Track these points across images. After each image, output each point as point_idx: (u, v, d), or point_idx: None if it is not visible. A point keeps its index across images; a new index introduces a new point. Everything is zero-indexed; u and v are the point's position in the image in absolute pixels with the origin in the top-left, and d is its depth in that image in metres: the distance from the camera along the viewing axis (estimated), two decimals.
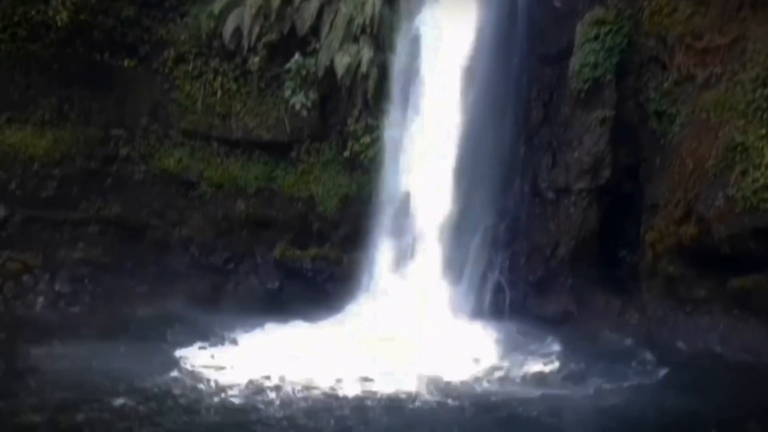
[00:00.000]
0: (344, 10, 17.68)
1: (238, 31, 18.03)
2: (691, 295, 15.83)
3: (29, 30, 18.15)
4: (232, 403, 12.83)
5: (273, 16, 17.89)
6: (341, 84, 17.71)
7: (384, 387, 13.43)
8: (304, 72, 17.76)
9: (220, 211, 18.55)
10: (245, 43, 18.05)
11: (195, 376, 13.87)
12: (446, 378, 13.95)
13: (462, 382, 13.76)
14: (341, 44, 17.64)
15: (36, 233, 18.80)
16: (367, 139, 17.66)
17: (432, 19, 16.80)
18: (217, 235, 18.64)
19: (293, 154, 18.26)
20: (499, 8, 16.87)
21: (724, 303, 15.33)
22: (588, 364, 14.56)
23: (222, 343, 15.75)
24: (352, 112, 17.86)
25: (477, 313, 16.76)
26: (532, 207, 17.35)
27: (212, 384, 13.52)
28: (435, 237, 17.09)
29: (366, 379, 13.73)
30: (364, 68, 17.51)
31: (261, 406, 12.76)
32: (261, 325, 16.40)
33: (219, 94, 18.32)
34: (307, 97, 17.78)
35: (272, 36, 18.00)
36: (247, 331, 16.11)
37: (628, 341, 15.71)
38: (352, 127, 17.87)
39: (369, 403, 12.84)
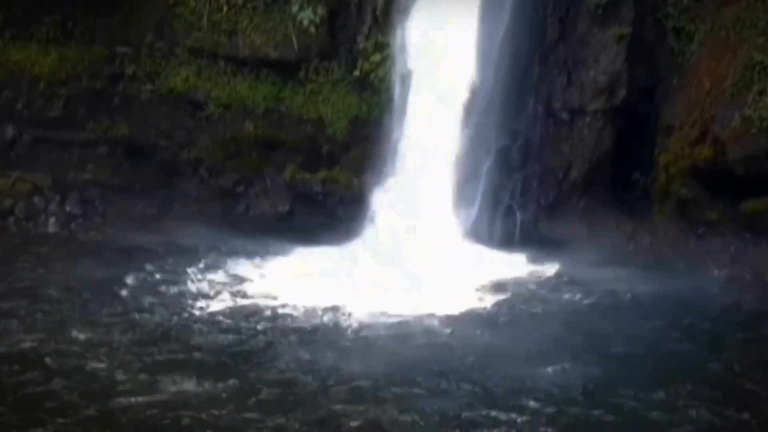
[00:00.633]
0: None
1: None
2: (703, 218, 16.01)
3: None
4: (240, 324, 13.12)
5: None
6: None
7: (390, 312, 13.63)
8: None
9: (229, 132, 18.74)
10: None
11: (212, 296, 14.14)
12: (455, 301, 14.15)
13: (470, 308, 13.93)
14: None
15: (44, 154, 19.12)
16: (377, 58, 17.66)
17: None
18: (226, 157, 18.84)
19: (301, 73, 18.32)
20: None
21: (736, 226, 15.49)
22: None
23: (234, 265, 16.00)
24: (362, 28, 17.84)
25: (488, 238, 16.95)
26: (545, 128, 17.43)
27: (224, 305, 13.80)
28: (446, 160, 17.16)
29: (374, 305, 13.85)
30: None
31: (267, 328, 12.99)
32: (273, 249, 16.61)
33: (225, 9, 18.34)
34: (315, 12, 17.75)
35: None
36: (258, 255, 16.28)
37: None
38: (362, 45, 17.88)
39: (373, 329, 13.06)
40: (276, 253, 16.42)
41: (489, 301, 14.30)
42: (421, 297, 14.15)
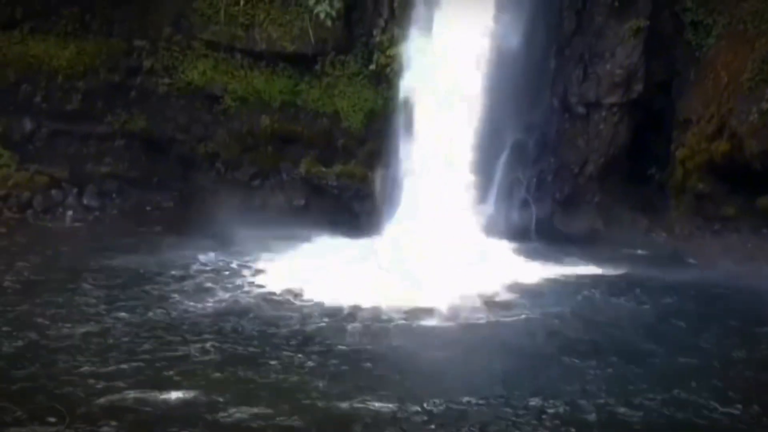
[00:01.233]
0: None
1: None
2: (720, 214, 16.05)
3: None
4: (258, 315, 13.23)
5: None
6: None
7: (407, 305, 13.66)
8: None
9: (245, 126, 18.93)
10: None
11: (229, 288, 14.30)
12: (474, 294, 14.23)
13: (488, 300, 14.06)
14: None
15: (62, 147, 19.40)
16: (393, 51, 17.80)
17: None
18: (243, 151, 19.05)
19: (317, 67, 18.49)
20: None
21: (753, 221, 15.52)
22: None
23: (250, 259, 16.14)
24: (378, 22, 17.98)
25: (503, 231, 17.04)
26: (561, 122, 17.52)
27: (242, 294, 13.99)
28: (462, 153, 17.27)
29: (391, 298, 13.88)
30: None
31: (284, 319, 13.07)
32: (288, 242, 16.66)
33: (242, 2, 18.52)
34: (331, 6, 17.91)
35: None
36: (275, 248, 16.41)
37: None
38: (378, 39, 18.01)
39: (389, 323, 13.09)
40: (293, 246, 16.54)
41: (505, 296, 14.40)
42: (436, 291, 14.23)
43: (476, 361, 11.68)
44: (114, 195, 19.38)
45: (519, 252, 16.52)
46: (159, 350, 11.66)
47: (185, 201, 19.18)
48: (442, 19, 17.42)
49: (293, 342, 12.10)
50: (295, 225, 17.70)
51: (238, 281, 14.70)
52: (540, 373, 11.08)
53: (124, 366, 11.08)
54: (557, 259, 16.22)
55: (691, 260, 15.98)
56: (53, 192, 19.17)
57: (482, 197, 17.27)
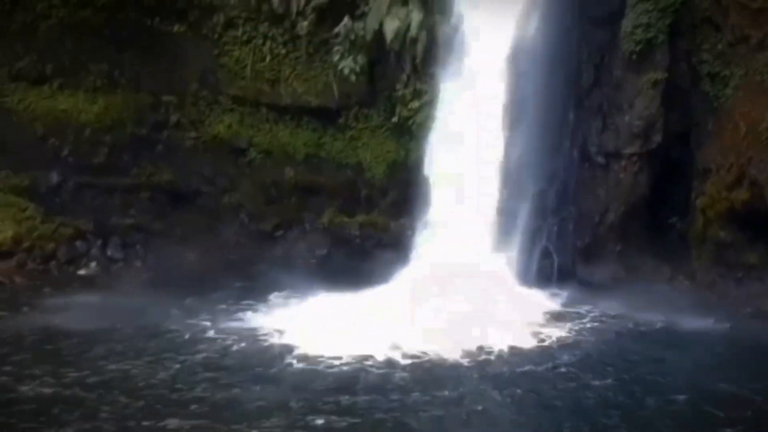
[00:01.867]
0: None
1: None
2: (742, 262, 16.17)
3: None
4: (286, 368, 13.12)
5: None
6: (390, 48, 18.19)
7: (431, 353, 13.67)
8: (352, 36, 18.27)
9: (270, 178, 19.19)
10: (294, 7, 18.59)
11: (249, 338, 14.22)
12: (498, 342, 14.22)
13: (513, 348, 14.06)
14: (390, 7, 18.07)
15: (88, 199, 19.59)
16: (415, 105, 18.14)
17: None
18: (267, 202, 19.28)
19: (341, 120, 18.83)
20: None
21: None
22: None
23: (272, 309, 16.17)
24: (401, 77, 18.35)
25: (525, 280, 17.17)
26: (581, 172, 17.76)
27: (265, 347, 13.93)
28: (484, 203, 17.51)
29: (413, 347, 13.85)
30: (413, 32, 17.96)
31: (309, 371, 12.97)
32: (310, 291, 16.58)
33: (268, 59, 18.92)
34: (355, 61, 18.30)
35: None
36: (295, 298, 16.41)
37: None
38: (400, 93, 18.38)
39: (413, 370, 13.02)
40: (313, 296, 16.39)
41: (530, 342, 14.36)
42: (460, 338, 14.16)
43: (506, 415, 11.54)
44: (138, 246, 19.50)
45: (541, 300, 16.63)
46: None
47: (209, 252, 19.34)
48: (463, 73, 17.83)
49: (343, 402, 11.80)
50: (317, 275, 17.80)
51: (262, 338, 14.48)
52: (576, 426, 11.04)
53: None
54: (580, 308, 16.32)
55: (715, 308, 16.02)
56: (77, 243, 19.21)
57: (504, 245, 17.45)
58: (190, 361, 13.13)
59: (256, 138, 19.17)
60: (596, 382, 12.51)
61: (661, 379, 12.67)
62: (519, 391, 12.22)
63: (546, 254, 17.52)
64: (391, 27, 18.12)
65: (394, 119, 18.44)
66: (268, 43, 18.95)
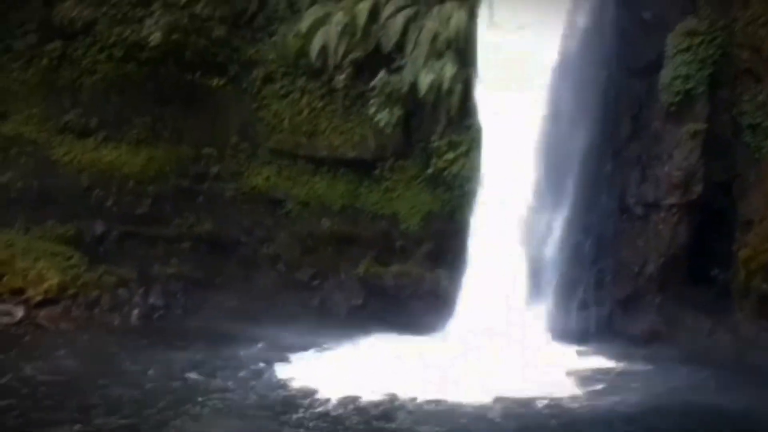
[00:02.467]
0: (429, 25, 16.62)
1: (324, 50, 17.16)
2: None
3: (124, 50, 17.64)
4: (323, 415, 11.84)
5: (359, 34, 16.95)
6: (425, 100, 16.64)
7: (463, 402, 12.24)
8: (388, 89, 16.77)
9: (306, 229, 17.68)
10: (331, 61, 17.17)
11: (286, 387, 12.91)
12: (532, 396, 12.61)
13: (553, 400, 12.37)
14: (426, 60, 16.59)
15: (131, 249, 18.27)
16: (450, 156, 16.53)
17: (514, 29, 15.57)
18: (303, 252, 17.76)
19: (377, 171, 17.28)
20: (585, 19, 15.54)
21: None
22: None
23: (308, 358, 14.78)
24: (436, 128, 16.77)
25: (563, 332, 15.37)
26: (619, 223, 15.89)
27: (300, 395, 12.59)
28: (519, 253, 15.77)
29: (446, 396, 12.43)
30: (448, 84, 16.41)
31: (345, 420, 11.70)
32: (346, 340, 15.22)
33: (305, 112, 17.48)
34: (391, 114, 16.78)
35: (358, 53, 17.07)
36: (332, 347, 15.03)
37: None
38: (435, 144, 16.77)
39: (447, 419, 11.59)
40: (348, 344, 15.08)
41: (566, 393, 12.70)
42: (491, 389, 12.66)
43: None
44: (179, 295, 18.08)
45: (579, 353, 14.82)
46: None
47: (247, 301, 17.85)
48: (499, 123, 16.21)
49: None
50: (353, 324, 16.32)
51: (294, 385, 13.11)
52: None
53: None
54: (619, 361, 14.48)
55: (758, 363, 14.12)
56: (120, 291, 17.94)
57: (540, 297, 15.66)
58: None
59: (293, 189, 17.63)
60: None
61: None
62: None
63: (584, 306, 15.61)
64: (426, 80, 16.54)
65: (429, 170, 16.80)
66: (306, 96, 17.48)
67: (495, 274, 15.62)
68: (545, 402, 12.24)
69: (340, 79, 17.05)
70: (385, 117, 16.64)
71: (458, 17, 16.30)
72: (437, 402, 12.12)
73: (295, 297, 17.52)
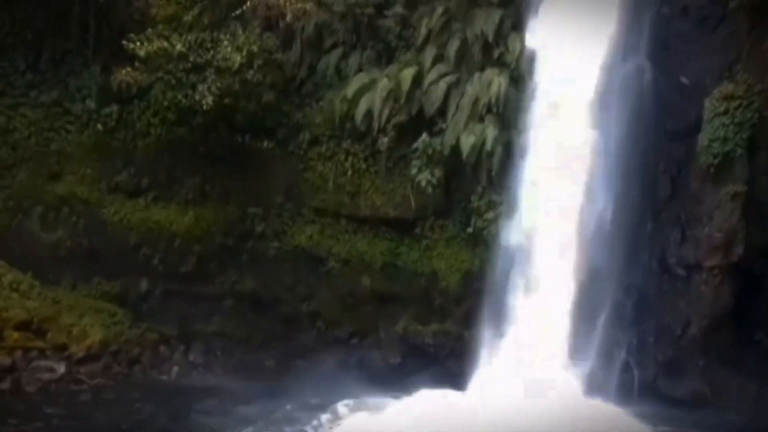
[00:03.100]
0: (470, 90, 15.69)
1: (369, 114, 16.26)
2: None
3: (177, 114, 16.85)
4: None
5: (402, 99, 16.06)
6: (466, 162, 15.58)
7: None
8: (430, 151, 15.75)
9: (347, 287, 16.47)
10: (375, 125, 16.23)
11: None
12: None
13: None
14: (467, 123, 15.60)
15: (174, 306, 17.16)
16: (490, 215, 15.35)
17: (553, 91, 14.61)
18: (343, 310, 16.52)
19: (417, 230, 16.13)
20: (624, 83, 14.53)
21: None
22: None
23: (346, 417, 13.42)
24: (476, 189, 15.66)
25: (604, 394, 13.86)
26: (660, 284, 14.51)
27: None
28: (560, 314, 14.40)
29: None
30: (488, 146, 15.36)
31: None
32: (385, 399, 14.00)
33: (349, 173, 16.47)
34: (432, 174, 15.72)
35: (401, 117, 16.14)
36: (371, 406, 13.84)
37: None
38: (475, 204, 15.62)
39: None
40: (388, 402, 13.79)
41: None
42: None
43: None
44: (219, 353, 16.86)
45: (621, 415, 13.29)
46: None
47: (286, 359, 16.56)
48: (534, 185, 15.08)
49: None
50: (391, 383, 14.93)
51: None
52: None
53: None
54: (663, 425, 12.95)
55: None
56: (161, 348, 16.85)
57: (580, 357, 14.20)
58: None
59: (335, 248, 16.48)
60: None
61: None
62: None
63: (626, 368, 14.13)
64: (467, 142, 15.51)
65: (469, 230, 15.62)
66: (350, 158, 16.49)
67: (536, 333, 14.20)
68: None
69: (384, 141, 16.09)
70: (426, 177, 15.59)
71: (498, 83, 15.37)
72: None
73: (333, 355, 16.19)
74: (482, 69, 15.75)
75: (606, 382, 14.01)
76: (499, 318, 14.55)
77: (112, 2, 16.71)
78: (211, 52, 16.10)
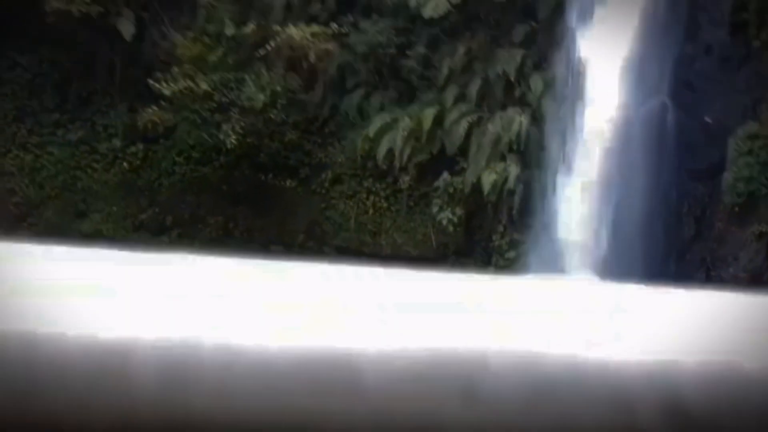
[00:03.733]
0: (491, 129, 15.41)
1: (390, 153, 16.00)
2: None
3: (202, 153, 16.70)
4: None
5: (424, 138, 15.81)
6: (487, 200, 15.25)
7: None
8: (451, 189, 15.45)
9: None
10: (397, 164, 15.97)
11: None
12: None
13: None
14: (488, 162, 15.30)
15: None
16: (512, 254, 14.96)
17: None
18: None
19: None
20: (647, 125, 14.17)
21: None
22: None
23: None
24: (497, 227, 15.30)
25: None
26: None
27: None
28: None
29: None
30: (510, 184, 15.03)
31: None
32: None
33: (371, 212, 16.18)
34: (453, 213, 15.40)
35: (422, 156, 15.87)
36: None
37: None
38: (497, 243, 15.25)
39: None
40: None
41: None
42: None
43: None
44: None
45: None
46: None
47: None
48: (556, 227, 14.68)
49: None
50: None
51: None
52: None
53: None
54: None
55: None
56: None
57: None
58: None
59: None
60: None
61: None
62: None
63: None
64: (488, 180, 15.19)
65: (491, 269, 15.20)
66: (372, 197, 16.21)
67: None
68: None
69: (405, 180, 15.79)
70: (447, 216, 15.24)
71: (519, 121, 15.06)
72: None
73: None
74: (504, 108, 15.47)
75: None
76: None
77: (138, 43, 16.63)
78: (236, 92, 15.95)
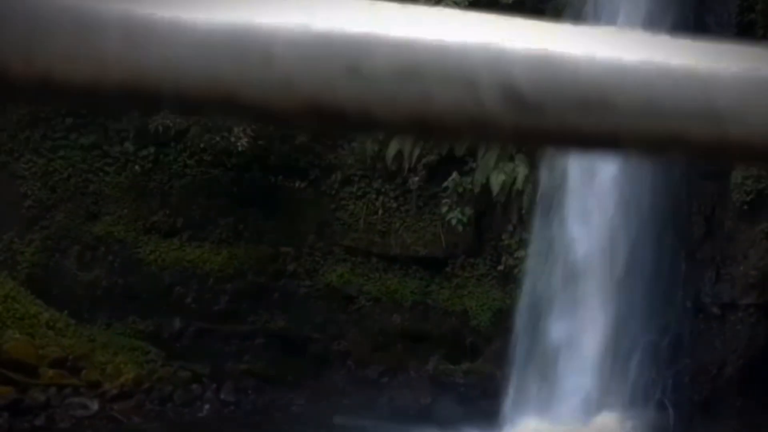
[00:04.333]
0: None
1: (399, 154, 15.85)
2: None
3: (213, 156, 16.59)
4: None
5: None
6: (496, 200, 15.08)
7: None
8: (460, 189, 15.29)
9: (377, 325, 15.89)
10: (406, 165, 15.83)
11: None
12: None
13: None
14: (497, 163, 15.15)
15: (206, 344, 16.64)
16: (521, 253, 14.78)
17: None
18: (374, 349, 15.91)
19: (448, 268, 15.58)
20: None
21: None
22: None
23: None
24: (507, 227, 15.13)
25: None
26: (695, 323, 13.76)
27: None
28: (592, 353, 13.68)
29: None
30: (519, 185, 14.86)
31: None
32: None
33: (380, 212, 16.04)
34: (463, 213, 15.23)
35: (431, 157, 15.72)
36: None
37: None
38: (506, 242, 15.07)
39: None
40: None
41: None
42: None
43: None
44: (250, 391, 16.26)
45: None
46: None
47: (316, 398, 15.91)
48: (569, 226, 14.47)
49: None
50: (419, 423, 14.23)
51: None
52: None
53: None
54: None
55: None
56: (193, 387, 16.26)
57: (614, 398, 13.44)
58: None
59: (365, 286, 15.97)
60: None
61: None
62: None
63: (661, 407, 13.34)
64: (497, 181, 15.02)
65: (500, 268, 15.04)
66: (381, 197, 16.07)
67: (568, 371, 13.47)
68: None
69: (414, 180, 15.65)
70: (456, 216, 15.09)
71: None
72: None
73: (363, 394, 15.53)
74: None
75: (642, 424, 13.21)
76: (532, 356, 13.83)
77: None
78: None
